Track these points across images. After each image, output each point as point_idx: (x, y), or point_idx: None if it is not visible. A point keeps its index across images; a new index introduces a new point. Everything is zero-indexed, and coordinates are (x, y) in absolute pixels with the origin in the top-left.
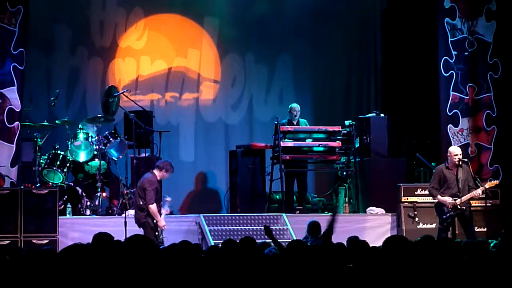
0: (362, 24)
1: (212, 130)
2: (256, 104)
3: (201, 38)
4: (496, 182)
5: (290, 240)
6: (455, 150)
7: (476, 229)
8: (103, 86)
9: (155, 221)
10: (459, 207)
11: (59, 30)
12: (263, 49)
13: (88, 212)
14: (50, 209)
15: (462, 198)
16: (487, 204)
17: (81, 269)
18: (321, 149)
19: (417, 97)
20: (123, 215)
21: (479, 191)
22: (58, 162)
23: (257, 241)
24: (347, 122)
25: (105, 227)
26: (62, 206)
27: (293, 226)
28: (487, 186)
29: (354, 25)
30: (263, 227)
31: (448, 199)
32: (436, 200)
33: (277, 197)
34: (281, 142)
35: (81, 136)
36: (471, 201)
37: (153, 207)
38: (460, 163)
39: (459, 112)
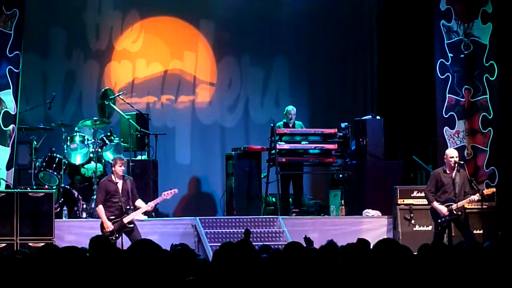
0: (358, 27)
1: (208, 132)
2: (252, 106)
3: (197, 41)
4: (493, 190)
5: (286, 243)
6: (451, 153)
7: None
8: (99, 89)
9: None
10: (454, 212)
11: (55, 33)
12: (259, 51)
13: (84, 215)
14: (46, 212)
15: (458, 203)
16: (483, 206)
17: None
18: (317, 151)
19: (413, 99)
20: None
21: (474, 197)
22: (54, 165)
23: (254, 243)
24: (343, 125)
25: None
26: (58, 209)
27: (289, 229)
28: (485, 192)
29: (350, 28)
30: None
31: (443, 209)
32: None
33: (273, 199)
34: (277, 145)
35: (77, 139)
36: (466, 204)
37: (97, 208)
38: (456, 165)
39: (455, 114)
